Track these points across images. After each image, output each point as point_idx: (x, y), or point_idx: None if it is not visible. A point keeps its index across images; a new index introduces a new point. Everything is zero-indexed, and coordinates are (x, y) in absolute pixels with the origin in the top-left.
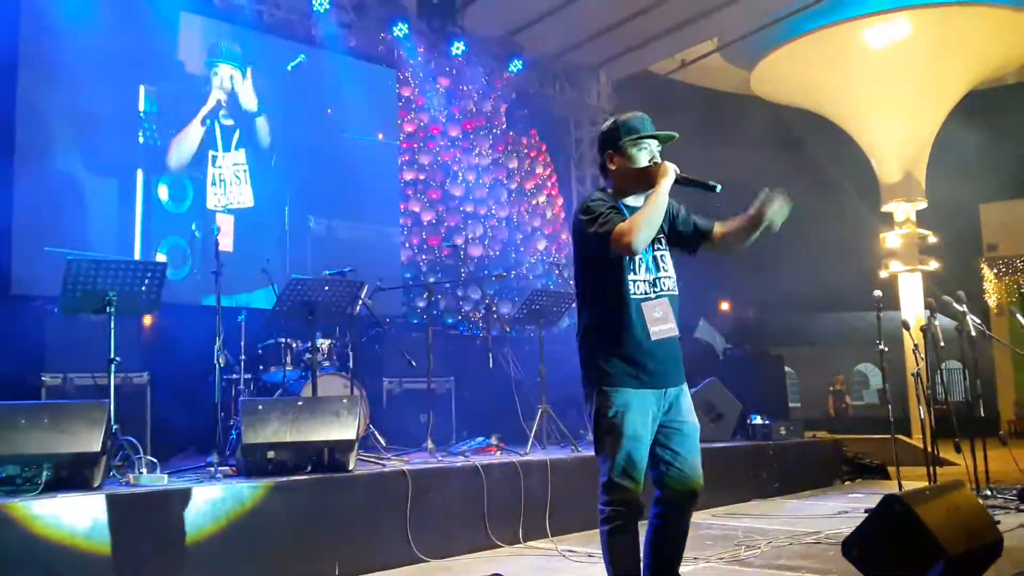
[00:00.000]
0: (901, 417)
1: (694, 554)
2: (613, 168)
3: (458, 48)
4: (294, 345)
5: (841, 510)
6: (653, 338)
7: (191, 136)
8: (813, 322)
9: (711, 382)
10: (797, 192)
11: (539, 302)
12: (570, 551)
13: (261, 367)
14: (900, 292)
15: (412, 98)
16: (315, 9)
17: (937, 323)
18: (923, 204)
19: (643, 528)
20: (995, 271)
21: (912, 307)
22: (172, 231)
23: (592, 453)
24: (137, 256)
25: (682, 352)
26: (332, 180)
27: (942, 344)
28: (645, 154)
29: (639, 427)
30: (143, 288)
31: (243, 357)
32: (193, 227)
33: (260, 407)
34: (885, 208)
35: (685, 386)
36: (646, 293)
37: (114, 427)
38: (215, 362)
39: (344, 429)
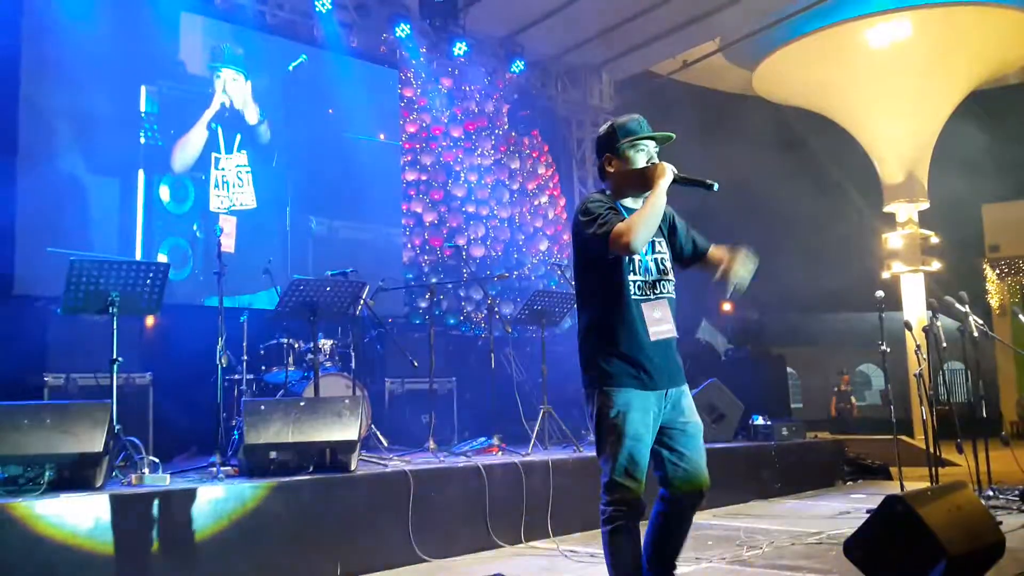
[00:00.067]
0: (903, 418)
1: (696, 554)
2: (611, 171)
3: (460, 48)
4: (296, 345)
5: (843, 510)
6: (652, 338)
7: (195, 139)
8: (815, 323)
9: (713, 383)
10: (799, 192)
11: (541, 303)
12: (572, 551)
13: (263, 367)
14: (902, 293)
15: (414, 99)
16: (317, 10)
17: (939, 324)
18: (925, 204)
19: (643, 524)
20: (997, 272)
21: (914, 308)
22: (173, 231)
23: (593, 454)
24: (138, 256)
25: (683, 353)
26: (334, 181)
27: (944, 345)
28: (642, 156)
29: (640, 427)
30: (145, 289)
31: (245, 357)
32: (194, 227)
33: (262, 407)
34: (887, 209)
35: (686, 387)
36: (646, 294)
37: (116, 427)
38: (217, 362)
39: (346, 429)
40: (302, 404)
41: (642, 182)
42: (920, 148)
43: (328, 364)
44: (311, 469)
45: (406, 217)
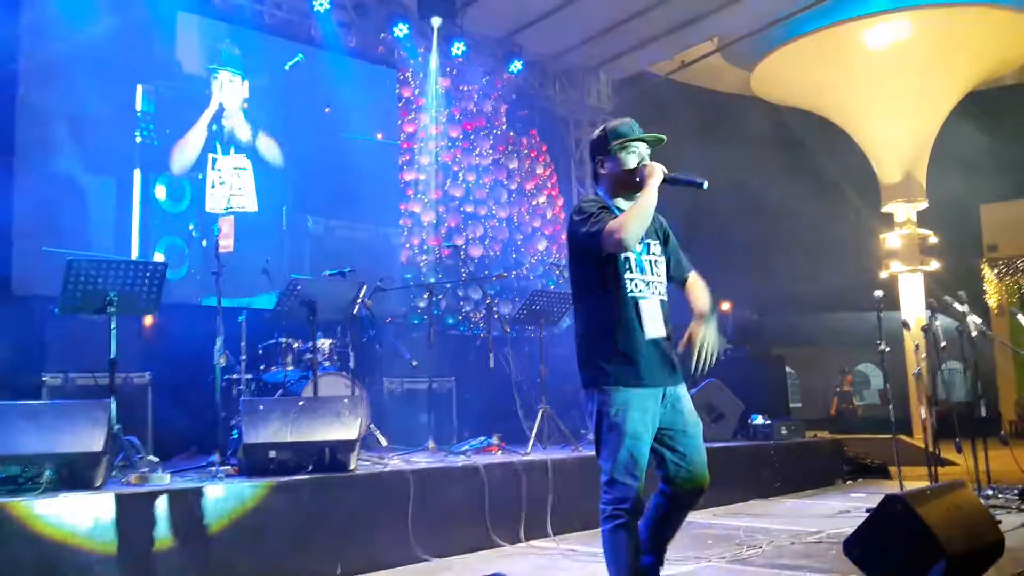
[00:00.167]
0: (902, 417)
1: (696, 553)
2: (603, 173)
3: (458, 48)
4: (295, 345)
5: (842, 510)
6: (648, 336)
7: (194, 140)
8: (814, 323)
9: (712, 382)
10: (797, 192)
11: (539, 302)
12: (571, 550)
13: (262, 367)
14: (901, 292)
15: (412, 99)
16: (315, 9)
17: (938, 323)
18: (924, 204)
19: None
20: (996, 271)
21: (913, 307)
22: (170, 231)
23: (592, 453)
24: (134, 255)
25: (682, 353)
26: (332, 180)
27: (943, 344)
28: (634, 157)
29: (640, 426)
30: (143, 288)
31: (244, 357)
32: (191, 227)
33: (261, 407)
34: (885, 208)
35: (683, 386)
36: (642, 292)
37: (115, 427)
38: (216, 362)
39: (345, 429)
40: (301, 404)
41: (634, 182)
42: (918, 148)
43: (327, 364)
44: (310, 469)
45: (404, 217)
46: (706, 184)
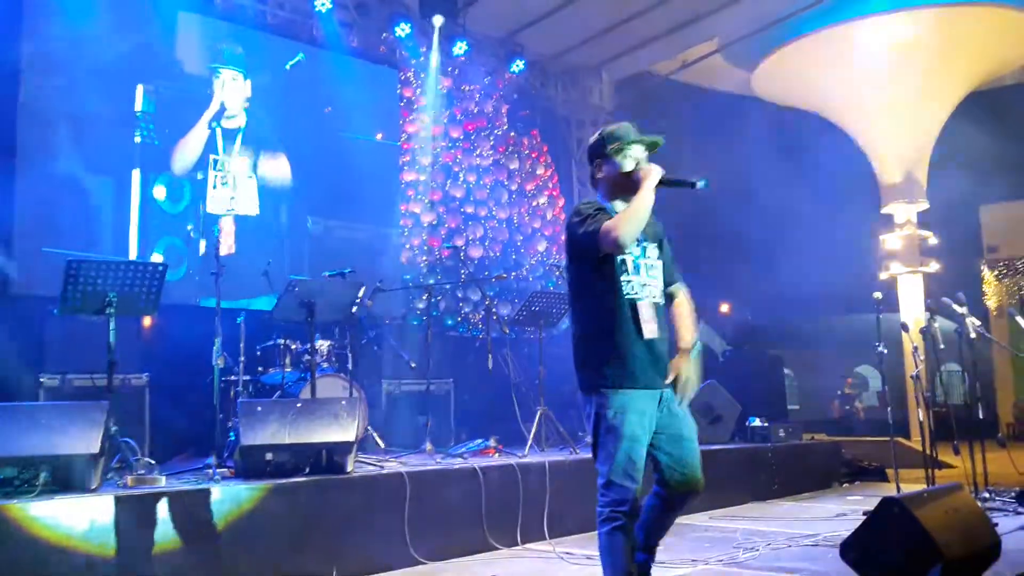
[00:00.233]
0: (900, 419)
1: (692, 556)
2: (601, 176)
3: (460, 48)
4: (293, 346)
5: (839, 512)
6: (645, 337)
7: (196, 140)
8: (812, 324)
9: (710, 384)
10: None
11: (539, 304)
12: (568, 553)
13: (260, 368)
14: (900, 294)
15: (413, 99)
16: (317, 9)
17: (937, 325)
18: (924, 205)
19: None
20: (995, 273)
21: (912, 309)
22: (168, 231)
23: (589, 455)
24: (132, 256)
25: None
26: (332, 181)
27: (942, 346)
28: (630, 161)
29: (637, 428)
30: (143, 289)
31: (242, 358)
32: (189, 227)
33: (259, 408)
34: (885, 209)
35: None
36: (638, 294)
37: (112, 428)
38: (214, 363)
39: (343, 431)
40: (299, 405)
41: (630, 185)
42: (918, 149)
43: (325, 365)
44: (307, 471)
45: (404, 218)
46: (701, 184)
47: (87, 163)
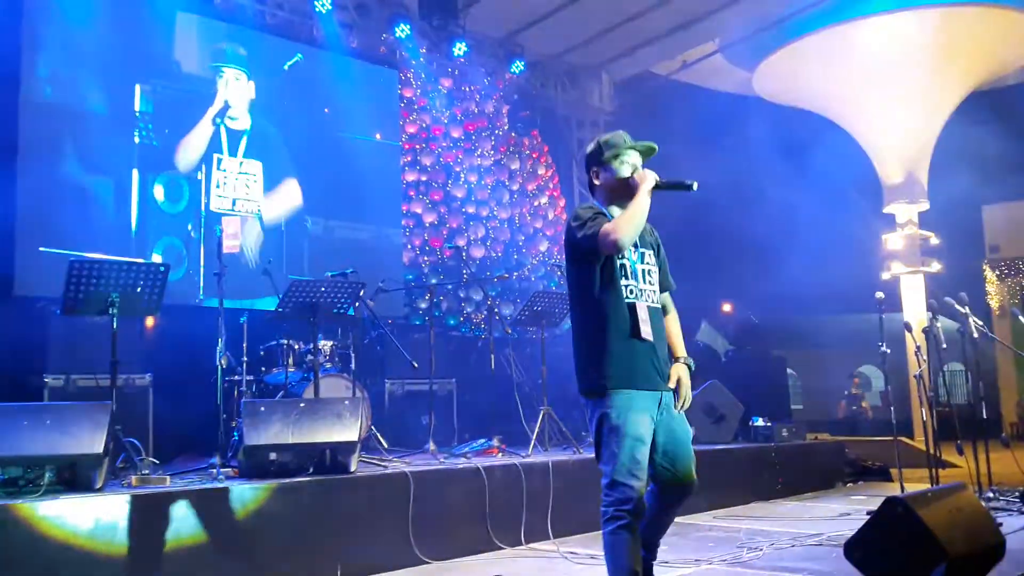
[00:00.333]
0: (903, 419)
1: (696, 556)
2: (598, 183)
3: (460, 49)
4: (296, 346)
5: (843, 512)
6: (644, 340)
7: (200, 136)
8: (815, 324)
9: (713, 384)
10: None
11: (541, 304)
12: (572, 553)
13: (263, 368)
14: (902, 294)
15: (414, 99)
16: (317, 10)
17: (939, 325)
18: (925, 205)
19: None
20: (997, 273)
21: (914, 309)
22: (168, 231)
23: (593, 455)
24: (132, 256)
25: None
26: (333, 181)
27: (944, 346)
28: (627, 167)
29: (640, 427)
30: (145, 289)
31: (245, 358)
32: (189, 227)
33: (262, 408)
34: (887, 209)
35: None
36: (637, 298)
37: (116, 429)
38: (217, 363)
39: (346, 431)
40: (302, 405)
41: (627, 190)
42: (920, 149)
43: (328, 365)
44: (311, 470)
45: (406, 218)
46: (695, 185)
47: (87, 163)
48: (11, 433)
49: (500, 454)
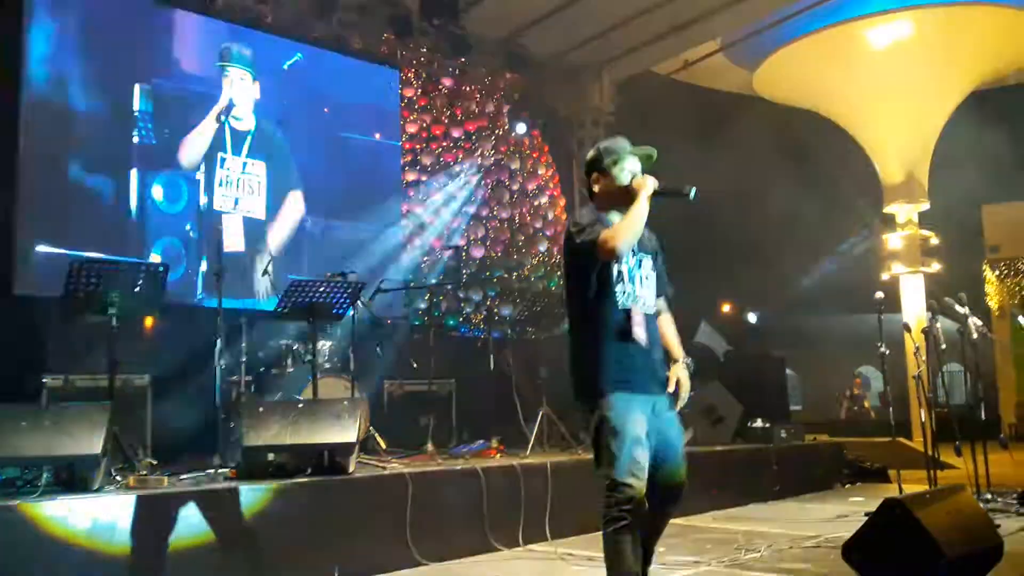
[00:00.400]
0: (902, 420)
1: (694, 557)
2: (597, 189)
3: (461, 48)
4: (295, 347)
5: (841, 513)
6: (640, 346)
7: (204, 133)
8: (814, 324)
9: (712, 384)
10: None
11: (540, 304)
12: (570, 554)
13: (262, 369)
14: (902, 294)
15: (415, 99)
16: (318, 9)
17: (938, 325)
18: (925, 205)
19: None
20: (997, 273)
21: (914, 309)
22: (167, 231)
23: (591, 456)
24: (131, 256)
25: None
26: (334, 181)
27: (943, 347)
28: (626, 173)
29: (638, 429)
30: (144, 290)
31: (244, 359)
32: (187, 227)
33: (260, 409)
34: (887, 209)
35: (670, 398)
36: (632, 303)
37: (115, 429)
38: (216, 364)
39: (344, 431)
40: (300, 406)
41: (627, 197)
42: (920, 149)
43: (327, 365)
44: (309, 471)
45: (406, 218)
46: (693, 193)
47: (86, 163)
48: (9, 434)
49: (498, 455)
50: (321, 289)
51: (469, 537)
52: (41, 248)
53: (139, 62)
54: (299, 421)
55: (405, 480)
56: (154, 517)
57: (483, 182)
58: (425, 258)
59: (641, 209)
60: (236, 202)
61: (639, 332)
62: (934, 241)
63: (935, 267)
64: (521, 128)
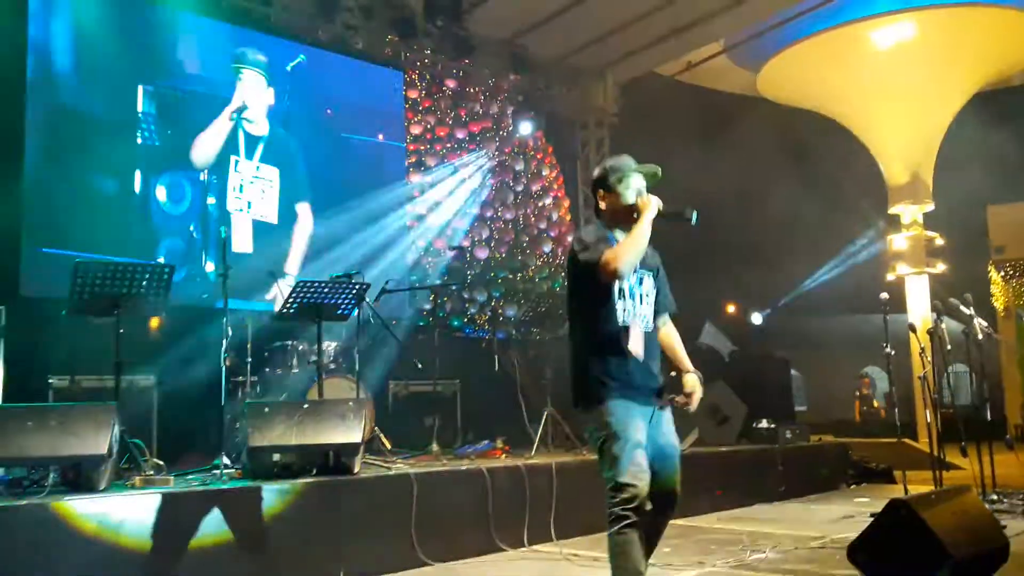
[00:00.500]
0: (907, 421)
1: (699, 558)
2: (604, 207)
3: (464, 50)
4: (300, 347)
5: (847, 514)
6: (638, 360)
7: (217, 133)
8: (819, 325)
9: (717, 385)
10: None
11: (544, 305)
12: (575, 555)
13: (267, 369)
14: (907, 295)
15: (419, 100)
16: (322, 11)
17: (944, 326)
18: (930, 206)
19: None
20: (1002, 274)
21: (919, 310)
22: (170, 232)
23: (596, 456)
24: (135, 257)
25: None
26: (337, 182)
27: (949, 347)
28: (632, 192)
29: (639, 433)
30: (150, 291)
31: (249, 359)
32: (191, 228)
33: (266, 410)
34: (892, 210)
35: (668, 411)
36: (631, 320)
37: (120, 430)
38: (221, 364)
39: (349, 432)
40: (306, 407)
41: (631, 215)
42: (925, 149)
43: (332, 366)
44: (314, 472)
45: (410, 219)
46: (695, 218)
47: (90, 164)
48: (16, 434)
49: (504, 455)
50: (326, 290)
51: (474, 537)
52: (47, 250)
53: (143, 64)
54: (304, 421)
55: (410, 480)
56: (159, 517)
57: (487, 183)
58: (429, 259)
59: (643, 231)
60: (249, 205)
61: (637, 348)
62: (939, 242)
63: (940, 268)
64: (526, 128)
